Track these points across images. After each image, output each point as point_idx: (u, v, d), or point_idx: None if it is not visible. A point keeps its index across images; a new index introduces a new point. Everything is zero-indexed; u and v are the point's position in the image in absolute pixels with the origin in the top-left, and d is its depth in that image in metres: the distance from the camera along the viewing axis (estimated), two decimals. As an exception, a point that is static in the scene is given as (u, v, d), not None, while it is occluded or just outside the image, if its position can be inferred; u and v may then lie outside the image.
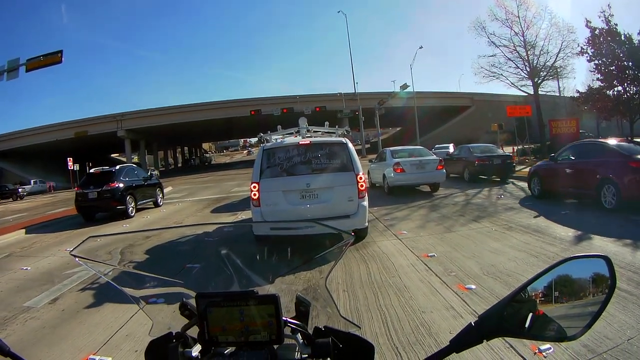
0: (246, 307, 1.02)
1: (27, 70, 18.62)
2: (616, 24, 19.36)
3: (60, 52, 18.81)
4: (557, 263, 0.90)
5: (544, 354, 2.97)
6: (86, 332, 4.19)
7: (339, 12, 70.11)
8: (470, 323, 0.90)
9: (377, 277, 5.17)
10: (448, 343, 0.91)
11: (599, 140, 11.14)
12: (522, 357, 2.97)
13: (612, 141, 9.66)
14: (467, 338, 0.90)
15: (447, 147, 27.54)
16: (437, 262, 5.61)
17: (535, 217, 8.26)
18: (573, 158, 9.80)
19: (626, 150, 8.71)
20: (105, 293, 5.18)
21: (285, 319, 1.05)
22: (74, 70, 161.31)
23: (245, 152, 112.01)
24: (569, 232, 6.78)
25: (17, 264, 7.82)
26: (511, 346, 3.06)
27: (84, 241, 1.29)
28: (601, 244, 5.96)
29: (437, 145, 29.27)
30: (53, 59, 18.71)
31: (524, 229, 7.21)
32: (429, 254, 5.96)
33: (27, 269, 7.28)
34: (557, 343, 2.92)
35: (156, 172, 30.75)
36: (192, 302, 1.12)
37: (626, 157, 8.41)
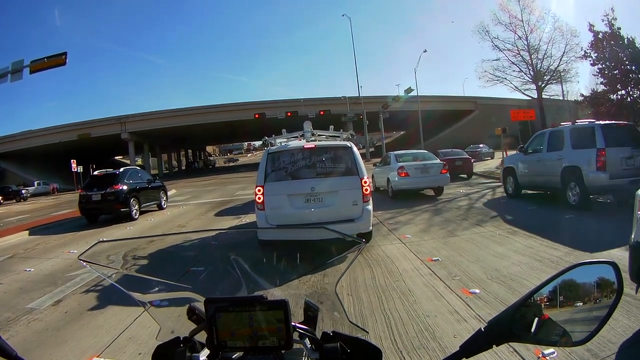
0: (255, 313, 1.02)
1: (31, 72, 18.64)
2: (619, 28, 19.27)
3: (64, 54, 18.80)
4: (566, 269, 0.90)
5: (547, 358, 2.95)
6: (89, 335, 4.19)
7: (343, 15, 69.85)
8: (480, 329, 0.91)
9: (381, 281, 5.16)
10: (458, 348, 0.91)
11: (443, 149, 20.37)
12: (526, 361, 2.95)
13: (444, 150, 20.18)
14: (477, 343, 0.90)
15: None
16: (441, 266, 5.60)
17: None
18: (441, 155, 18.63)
19: (445, 154, 18.80)
20: (108, 296, 5.19)
21: (294, 324, 1.05)
22: (78, 73, 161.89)
23: (237, 157, 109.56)
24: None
25: (20, 265, 7.84)
26: (515, 350, 3.05)
27: (92, 246, 1.29)
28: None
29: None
30: (57, 60, 18.70)
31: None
32: (433, 258, 5.95)
33: (30, 270, 7.30)
34: (562, 348, 2.91)
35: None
36: (200, 306, 1.12)
37: (442, 157, 16.63)
